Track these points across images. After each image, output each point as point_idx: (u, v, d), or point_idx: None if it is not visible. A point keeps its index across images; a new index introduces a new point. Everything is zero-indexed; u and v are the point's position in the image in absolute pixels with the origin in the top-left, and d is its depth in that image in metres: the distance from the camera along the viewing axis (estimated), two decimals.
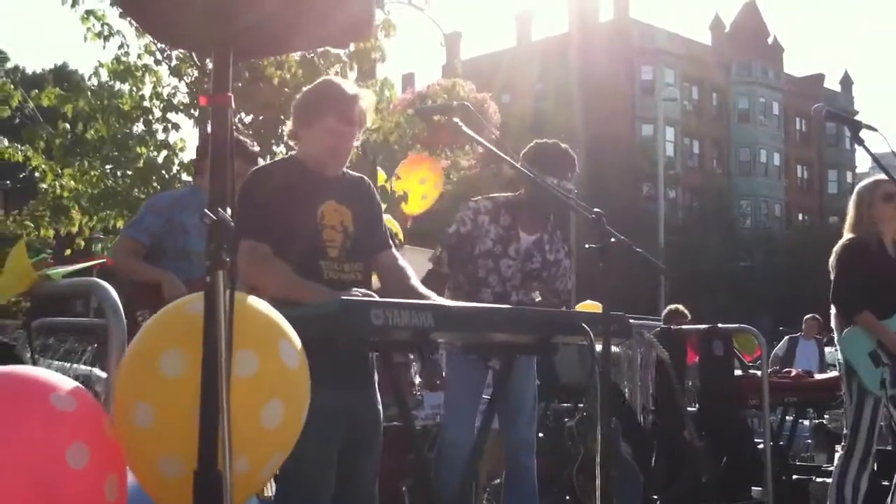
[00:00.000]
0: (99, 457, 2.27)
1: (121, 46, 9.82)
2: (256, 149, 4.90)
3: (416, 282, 3.39)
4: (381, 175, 9.67)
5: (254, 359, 2.29)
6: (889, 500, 4.85)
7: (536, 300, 4.53)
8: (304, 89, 3.44)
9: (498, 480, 5.51)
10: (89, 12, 9.76)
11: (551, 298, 4.59)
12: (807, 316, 12.00)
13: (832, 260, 5.00)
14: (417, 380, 6.60)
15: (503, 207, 4.45)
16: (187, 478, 1.98)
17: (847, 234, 5.00)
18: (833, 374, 6.62)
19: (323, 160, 3.30)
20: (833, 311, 5.06)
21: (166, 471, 2.25)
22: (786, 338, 12.13)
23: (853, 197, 5.06)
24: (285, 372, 2.37)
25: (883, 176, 4.89)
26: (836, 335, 5.03)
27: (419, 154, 10.67)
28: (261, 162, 4.61)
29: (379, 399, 3.34)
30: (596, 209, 3.13)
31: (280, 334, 2.40)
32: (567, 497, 5.78)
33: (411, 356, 5.93)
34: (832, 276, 4.97)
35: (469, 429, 4.35)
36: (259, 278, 3.05)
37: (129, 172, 10.29)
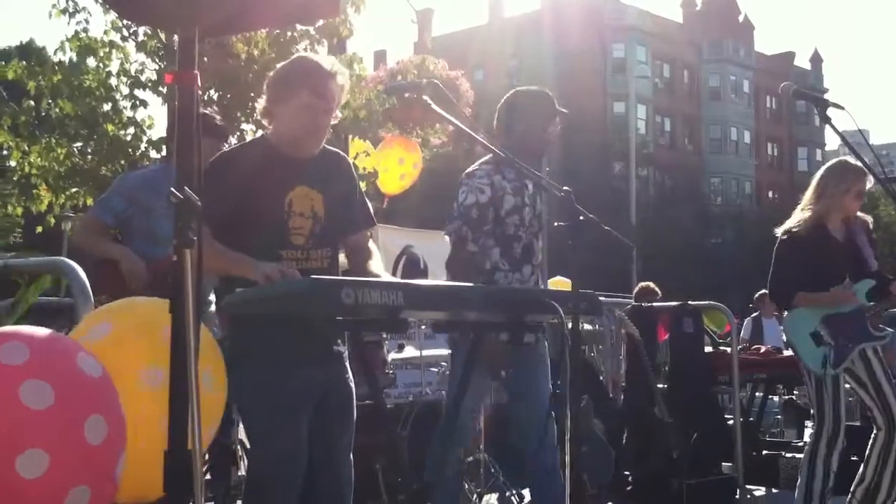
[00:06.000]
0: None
1: (79, 22, 9.67)
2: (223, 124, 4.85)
3: (371, 263, 3.36)
4: (359, 144, 9.58)
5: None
6: (859, 475, 4.87)
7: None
8: (279, 65, 3.32)
9: (471, 458, 5.52)
10: None
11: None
12: (758, 293, 11.05)
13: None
14: (390, 357, 6.57)
15: (501, 164, 4.28)
16: None
17: (803, 212, 4.95)
18: None
19: (297, 138, 3.19)
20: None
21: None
22: (749, 319, 11.69)
23: (826, 173, 4.96)
24: None
25: (857, 162, 4.87)
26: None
27: (393, 134, 10.62)
28: (231, 140, 4.54)
29: (350, 375, 3.32)
30: (565, 187, 3.13)
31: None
32: None
33: (384, 335, 5.93)
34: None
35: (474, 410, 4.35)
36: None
37: (97, 149, 10.18)
